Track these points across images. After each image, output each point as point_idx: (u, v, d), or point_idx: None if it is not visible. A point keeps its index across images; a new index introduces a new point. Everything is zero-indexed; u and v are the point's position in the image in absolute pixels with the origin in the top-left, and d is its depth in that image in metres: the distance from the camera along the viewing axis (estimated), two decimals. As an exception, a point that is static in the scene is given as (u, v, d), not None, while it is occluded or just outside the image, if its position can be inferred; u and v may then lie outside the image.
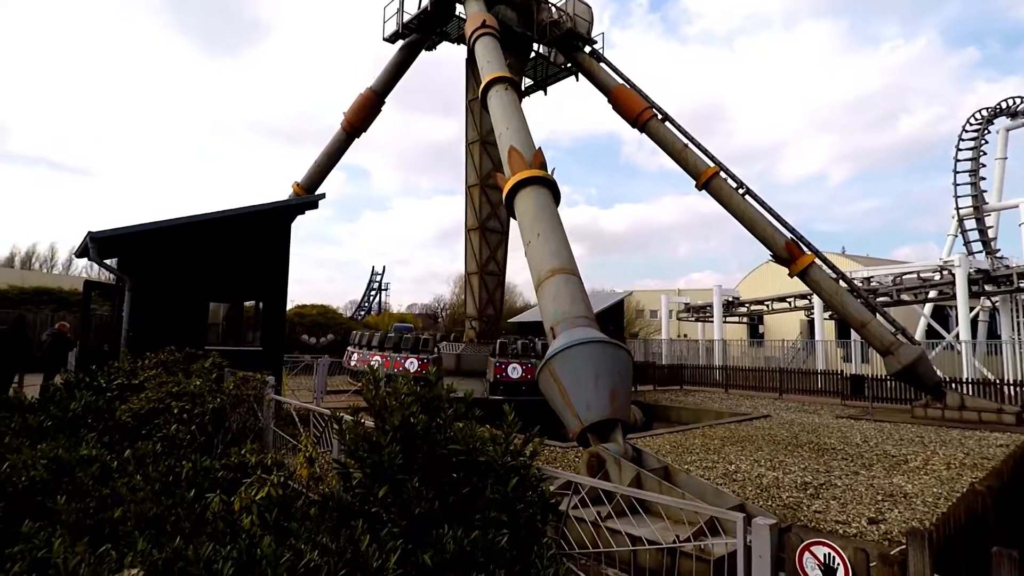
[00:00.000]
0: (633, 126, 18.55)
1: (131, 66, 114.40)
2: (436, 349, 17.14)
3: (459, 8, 18.57)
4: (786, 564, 3.12)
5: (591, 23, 19.87)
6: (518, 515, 3.61)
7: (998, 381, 19.33)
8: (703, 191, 17.94)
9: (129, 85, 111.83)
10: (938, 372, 19.10)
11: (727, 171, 17.91)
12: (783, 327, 42.28)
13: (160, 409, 6.79)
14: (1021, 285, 27.18)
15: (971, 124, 34.43)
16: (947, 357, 28.68)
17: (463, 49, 19.35)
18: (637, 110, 18.21)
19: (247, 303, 15.77)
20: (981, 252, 32.56)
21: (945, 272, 28.05)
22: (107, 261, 12.27)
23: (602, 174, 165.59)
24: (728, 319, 41.00)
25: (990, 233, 33.25)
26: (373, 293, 68.69)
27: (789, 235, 17.50)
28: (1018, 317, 29.66)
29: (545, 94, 22.50)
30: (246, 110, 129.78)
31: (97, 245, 11.59)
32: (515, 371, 15.56)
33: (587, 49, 19.39)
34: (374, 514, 3.51)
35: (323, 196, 16.09)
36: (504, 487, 3.68)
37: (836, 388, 22.23)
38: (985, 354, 27.78)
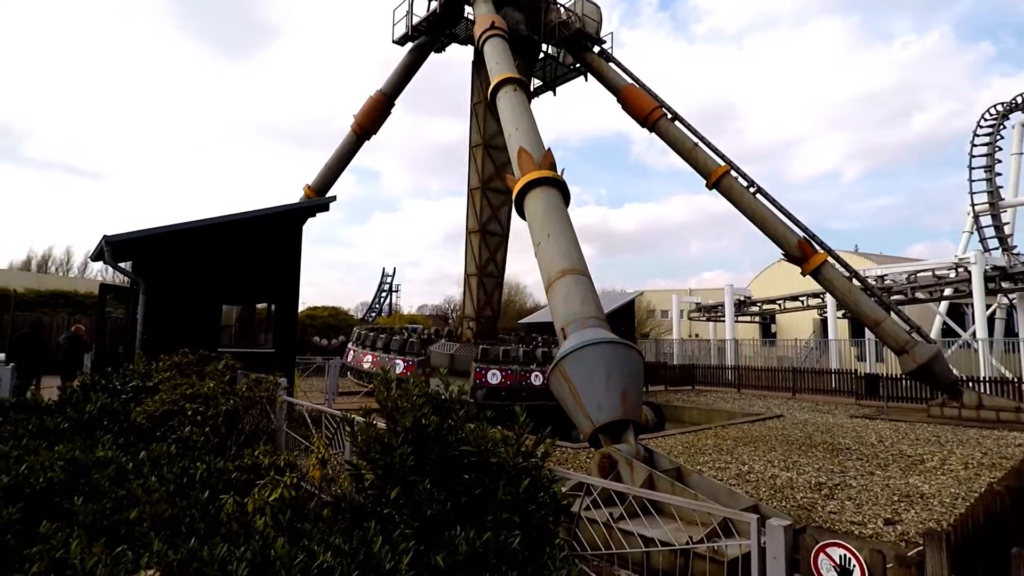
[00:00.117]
0: (643, 126, 18.49)
1: (141, 70, 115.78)
2: (424, 350, 17.27)
3: (467, 10, 18.61)
4: (801, 566, 3.09)
5: (600, 23, 19.83)
6: (530, 516, 3.61)
7: (1016, 379, 19.03)
8: (714, 190, 17.85)
9: (139, 89, 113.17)
10: (954, 371, 18.88)
11: (738, 170, 17.80)
12: (796, 326, 41.95)
13: (174, 411, 6.84)
14: (1039, 282, 26.83)
15: (986, 119, 33.99)
16: (963, 355, 28.33)
17: (472, 51, 19.38)
18: (647, 110, 18.15)
19: (259, 305, 15.89)
20: (997, 249, 32.11)
21: (960, 269, 27.71)
22: (122, 264, 12.41)
23: (612, 174, 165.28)
24: (740, 319, 40.74)
25: (1006, 230, 32.79)
26: (384, 295, 68.93)
27: (801, 233, 17.37)
28: (1036, 315, 29.27)
29: (554, 95, 22.50)
30: (256, 113, 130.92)
31: (112, 249, 11.71)
32: (494, 377, 15.62)
33: (596, 49, 19.35)
34: (386, 515, 3.52)
35: (334, 198, 16.17)
36: (516, 488, 3.67)
37: (850, 387, 22.02)
38: (1002, 352, 27.39)
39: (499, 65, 13.29)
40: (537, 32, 18.49)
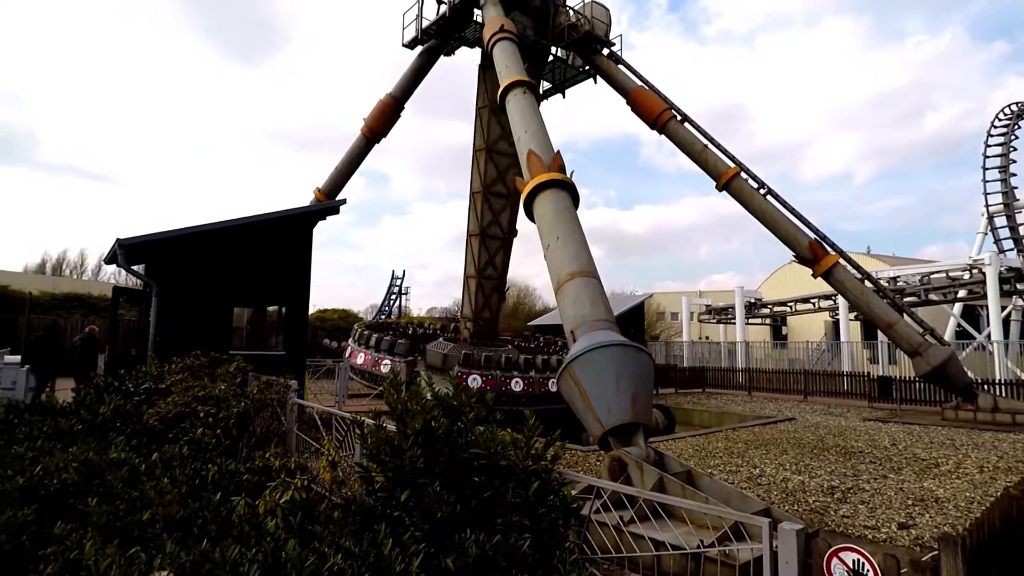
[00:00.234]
0: (652, 128, 18.44)
1: (152, 74, 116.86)
2: (414, 351, 17.43)
3: (477, 13, 18.66)
4: (813, 570, 3.07)
5: (609, 25, 19.82)
6: (540, 519, 3.61)
7: (1032, 382, 18.79)
8: (724, 192, 17.77)
9: (151, 93, 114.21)
10: (969, 373, 18.66)
11: (748, 171, 17.71)
12: (807, 328, 41.66)
13: (186, 413, 6.90)
14: (1055, 284, 26.49)
15: (1000, 119, 33.65)
16: (978, 358, 28.01)
17: (479, 53, 19.44)
18: (656, 111, 18.12)
19: (270, 308, 15.99)
20: (1012, 250, 31.77)
21: (975, 271, 27.41)
22: (134, 267, 12.54)
23: (621, 176, 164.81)
24: (750, 321, 40.51)
25: (1021, 231, 32.44)
26: (393, 297, 69.08)
27: (812, 235, 17.25)
28: (1052, 316, 28.90)
29: (563, 97, 22.48)
30: (266, 116, 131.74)
31: (125, 252, 11.84)
32: (475, 381, 15.74)
33: (605, 51, 19.34)
34: (396, 518, 3.53)
35: (344, 202, 16.26)
36: (526, 491, 3.67)
37: (863, 390, 21.82)
38: (1018, 354, 27.09)
39: (508, 68, 13.31)
40: (546, 35, 18.53)
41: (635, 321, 44.77)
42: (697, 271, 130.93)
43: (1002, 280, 26.53)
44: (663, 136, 18.38)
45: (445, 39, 20.18)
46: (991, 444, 12.41)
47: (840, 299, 29.53)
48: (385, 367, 16.89)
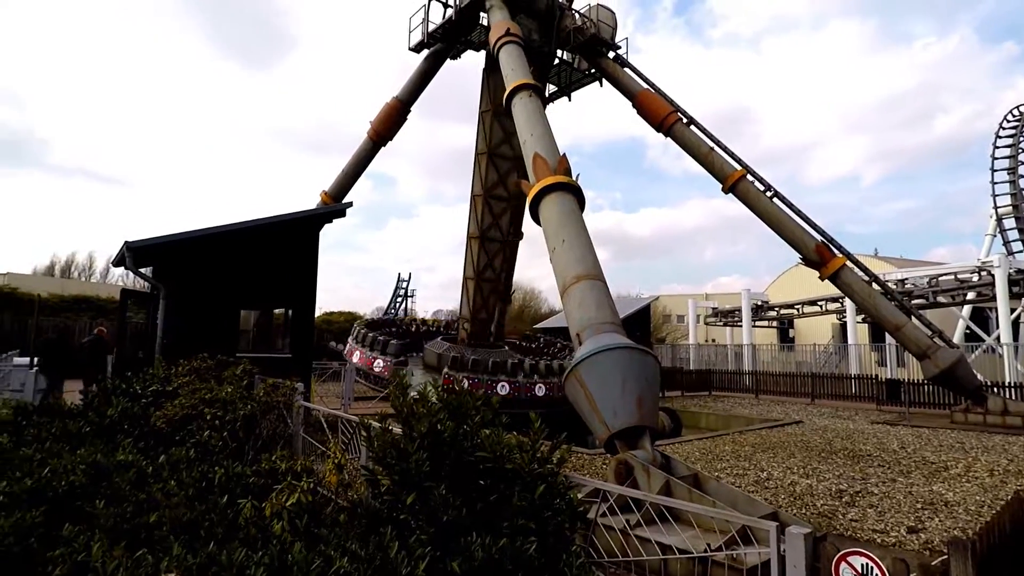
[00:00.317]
0: (658, 130, 18.42)
1: (161, 77, 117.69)
2: (407, 350, 17.55)
3: (483, 17, 18.70)
4: (822, 574, 3.05)
5: (615, 28, 19.82)
6: (546, 523, 3.60)
7: (1042, 385, 18.62)
8: (730, 194, 17.72)
9: (160, 96, 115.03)
10: (978, 376, 18.51)
11: (754, 174, 17.66)
12: (814, 331, 41.46)
13: (193, 415, 6.93)
14: (1065, 286, 26.26)
15: (1009, 120, 33.43)
16: (987, 360, 27.80)
17: (484, 57, 19.48)
18: (662, 114, 18.10)
19: (277, 310, 16.03)
20: (1021, 252, 31.54)
21: (984, 273, 27.23)
22: (142, 270, 12.59)
23: (626, 178, 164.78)
24: (757, 323, 40.34)
25: (1031, 232, 32.19)
26: (399, 300, 69.20)
27: (819, 237, 17.18)
28: (1062, 319, 28.65)
29: (569, 100, 22.49)
30: (274, 119, 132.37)
31: (133, 254, 11.90)
32: (463, 385, 15.69)
33: (611, 55, 19.34)
34: (402, 521, 3.53)
35: (350, 204, 16.30)
36: (531, 494, 3.66)
37: (871, 393, 21.68)
38: (1028, 357, 26.83)
39: (514, 71, 13.33)
40: (552, 39, 18.54)
41: (641, 324, 44.77)
42: (703, 274, 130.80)
43: (1011, 282, 26.33)
44: (669, 139, 18.36)
45: (451, 43, 20.24)
46: (1001, 447, 12.30)
47: (847, 301, 29.37)
48: (378, 367, 16.96)
